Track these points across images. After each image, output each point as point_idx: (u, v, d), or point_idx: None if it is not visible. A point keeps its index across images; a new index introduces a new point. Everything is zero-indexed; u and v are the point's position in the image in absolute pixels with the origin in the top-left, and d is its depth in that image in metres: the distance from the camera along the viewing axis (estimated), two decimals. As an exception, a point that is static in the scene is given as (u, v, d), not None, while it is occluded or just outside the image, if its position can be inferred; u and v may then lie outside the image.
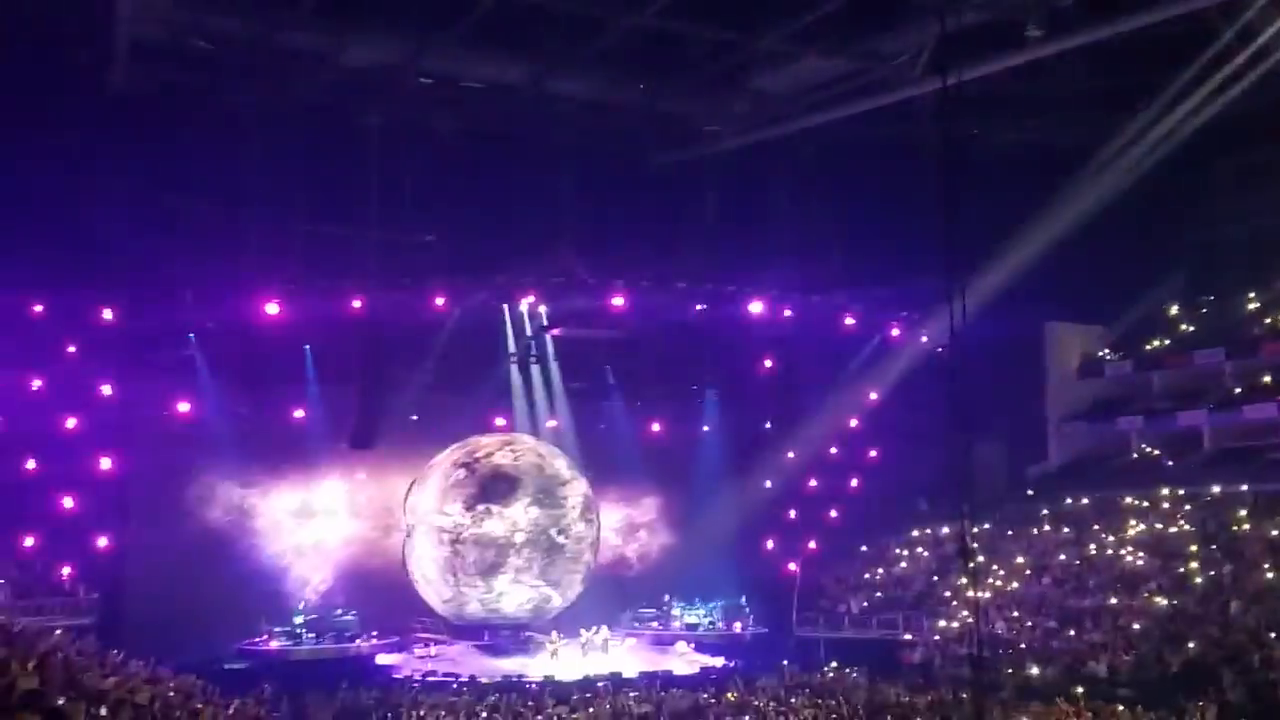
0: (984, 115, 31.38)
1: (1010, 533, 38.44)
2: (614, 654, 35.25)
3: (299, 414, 35.31)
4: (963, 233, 10.25)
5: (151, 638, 26.50)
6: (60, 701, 12.45)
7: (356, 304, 33.52)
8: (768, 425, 40.23)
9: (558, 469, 37.19)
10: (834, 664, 32.80)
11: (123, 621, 30.63)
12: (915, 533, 40.17)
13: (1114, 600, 32.45)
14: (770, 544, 40.39)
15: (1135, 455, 41.60)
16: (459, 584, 35.81)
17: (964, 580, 32.62)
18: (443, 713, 25.89)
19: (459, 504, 35.70)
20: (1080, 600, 33.15)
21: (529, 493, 36.16)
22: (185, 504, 33.08)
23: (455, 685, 30.52)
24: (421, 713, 25.93)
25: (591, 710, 26.12)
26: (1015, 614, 33.30)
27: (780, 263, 36.85)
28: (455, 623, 36.85)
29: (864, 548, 40.58)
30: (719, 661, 34.78)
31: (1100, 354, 43.57)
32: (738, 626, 37.76)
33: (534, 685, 30.54)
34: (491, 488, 35.85)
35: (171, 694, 18.26)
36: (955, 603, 34.67)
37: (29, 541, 31.80)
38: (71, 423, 32.23)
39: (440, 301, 34.94)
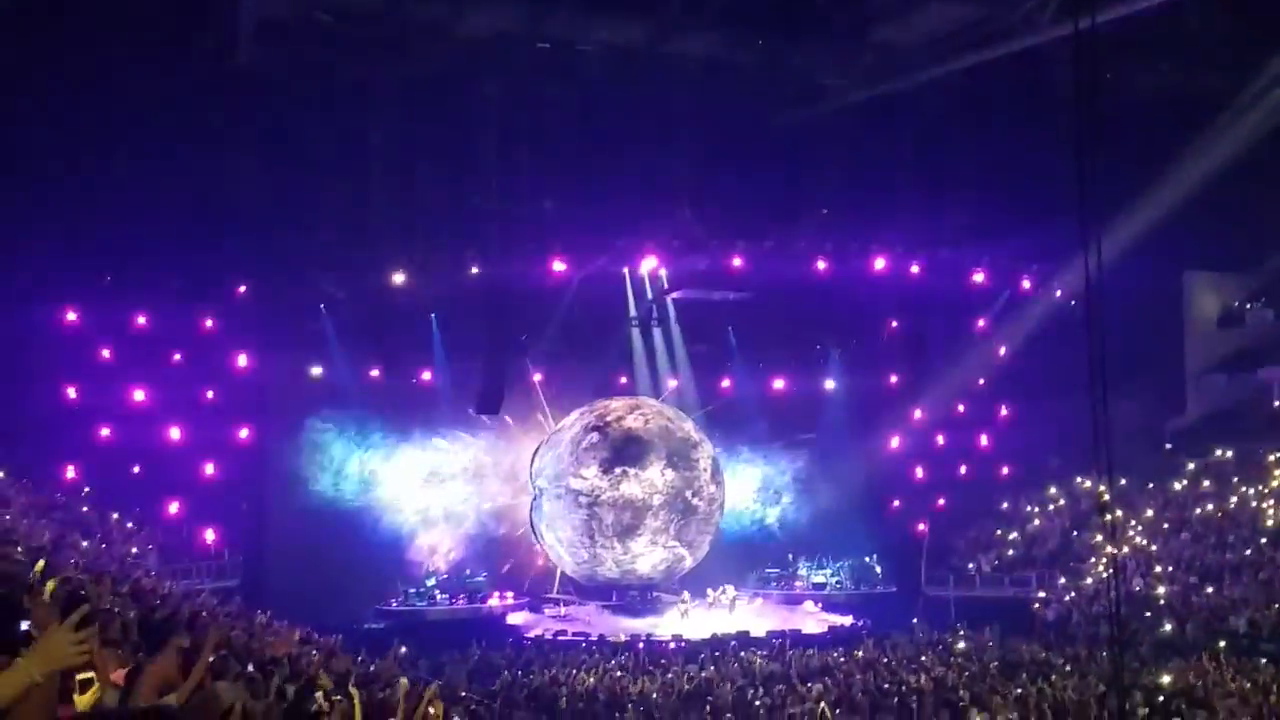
0: (1119, 59, 30.04)
1: (1149, 487, 37.94)
2: (741, 613, 35.20)
3: (426, 378, 35.98)
4: (1098, 181, 9.97)
5: (293, 600, 27.33)
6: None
7: (475, 271, 34.12)
8: (894, 381, 39.91)
9: (687, 431, 37.19)
10: (965, 623, 32.73)
11: (265, 584, 31.75)
12: (1049, 490, 39.64)
13: (1255, 554, 31.81)
14: (898, 503, 40.32)
15: (1277, 406, 40.67)
16: (595, 546, 35.94)
17: (1100, 537, 32.44)
18: (574, 670, 26.09)
19: (595, 467, 35.81)
20: (1220, 555, 32.53)
21: (662, 455, 36.17)
22: (317, 471, 34.53)
23: (585, 644, 30.98)
24: (553, 670, 26.16)
25: (720, 669, 26.06)
26: (1154, 570, 32.93)
27: (905, 218, 36.28)
28: (584, 584, 37.36)
29: (1004, 504, 40.08)
30: (847, 621, 34.77)
31: (1240, 303, 42.55)
32: (865, 585, 37.97)
33: (663, 644, 30.89)
34: (625, 451, 35.92)
35: (315, 654, 18.28)
36: (1091, 560, 34.36)
37: (174, 508, 33.15)
38: (210, 394, 33.64)
39: (560, 267, 35.26)
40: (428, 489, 37.01)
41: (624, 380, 39.43)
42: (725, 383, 39.99)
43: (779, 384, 39.75)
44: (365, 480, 35.91)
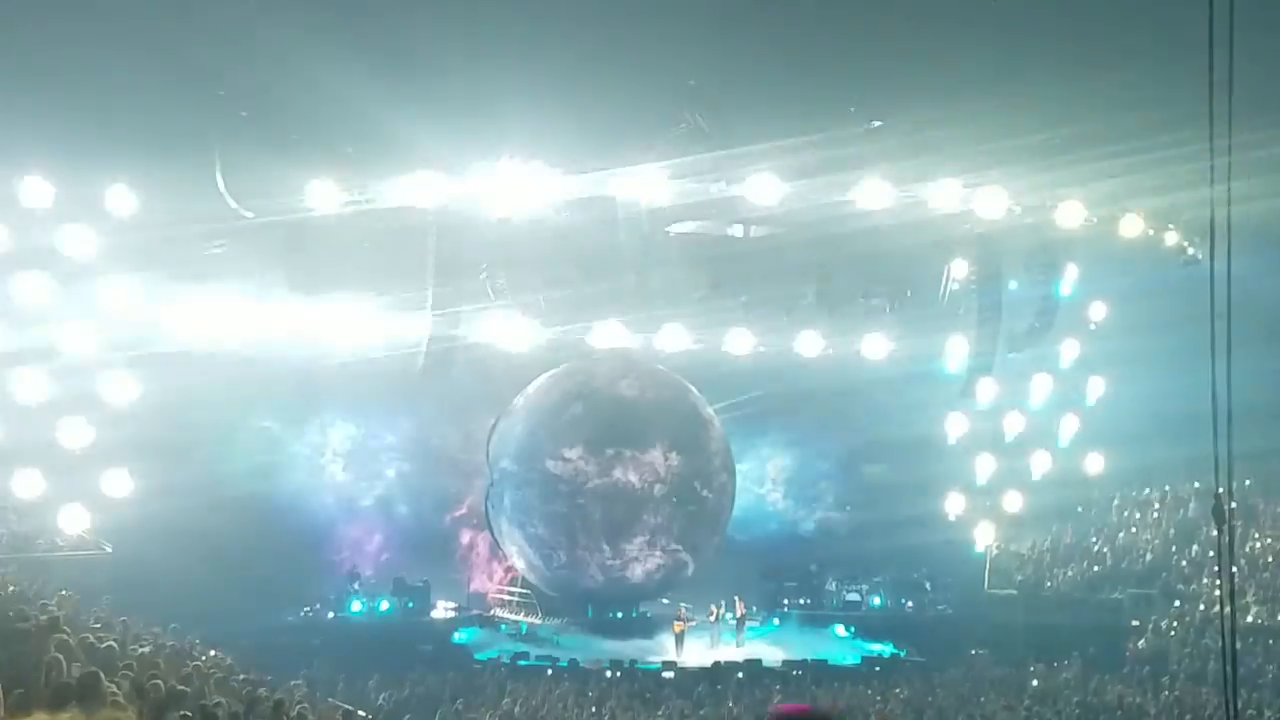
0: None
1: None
2: (752, 637, 35.58)
3: (350, 321, 34.67)
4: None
5: (180, 601, 27.85)
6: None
7: (418, 189, 33.00)
8: (957, 347, 38.73)
9: (692, 404, 37.32)
10: (1038, 656, 32.95)
11: (142, 580, 30.67)
12: (1149, 490, 40.20)
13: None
14: (956, 501, 39.81)
15: None
16: (577, 547, 36.14)
17: (1212, 551, 32.67)
18: (538, 704, 26.26)
19: (579, 447, 35.81)
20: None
21: (665, 434, 36.25)
22: (212, 439, 34.60)
23: (552, 671, 31.27)
24: (511, 703, 26.34)
25: (723, 708, 26.55)
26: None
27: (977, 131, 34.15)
28: (555, 595, 37.46)
29: (1092, 507, 40.23)
30: (887, 649, 35.18)
31: None
32: (909, 605, 37.98)
33: (653, 674, 30.98)
34: (618, 426, 36.00)
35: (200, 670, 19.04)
36: (1200, 580, 34.72)
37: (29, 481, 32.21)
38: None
39: (532, 186, 33.45)
40: (351, 469, 37.55)
41: (613, 331, 37.53)
42: (740, 339, 38.35)
43: (810, 343, 38.02)
44: (270, 453, 36.25)
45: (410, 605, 35.96)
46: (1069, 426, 40.51)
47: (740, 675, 30.53)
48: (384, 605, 35.75)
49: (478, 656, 33.18)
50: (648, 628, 36.26)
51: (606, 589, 36.69)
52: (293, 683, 23.70)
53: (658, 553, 36.44)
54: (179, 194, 31.51)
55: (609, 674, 31.25)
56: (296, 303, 33.15)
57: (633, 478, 35.93)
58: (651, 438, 36.12)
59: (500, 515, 37.03)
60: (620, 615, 37.08)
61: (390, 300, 34.24)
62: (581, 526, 35.94)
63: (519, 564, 37.50)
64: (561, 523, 35.97)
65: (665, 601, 37.53)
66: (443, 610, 36.55)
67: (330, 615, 35.33)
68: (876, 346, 38.13)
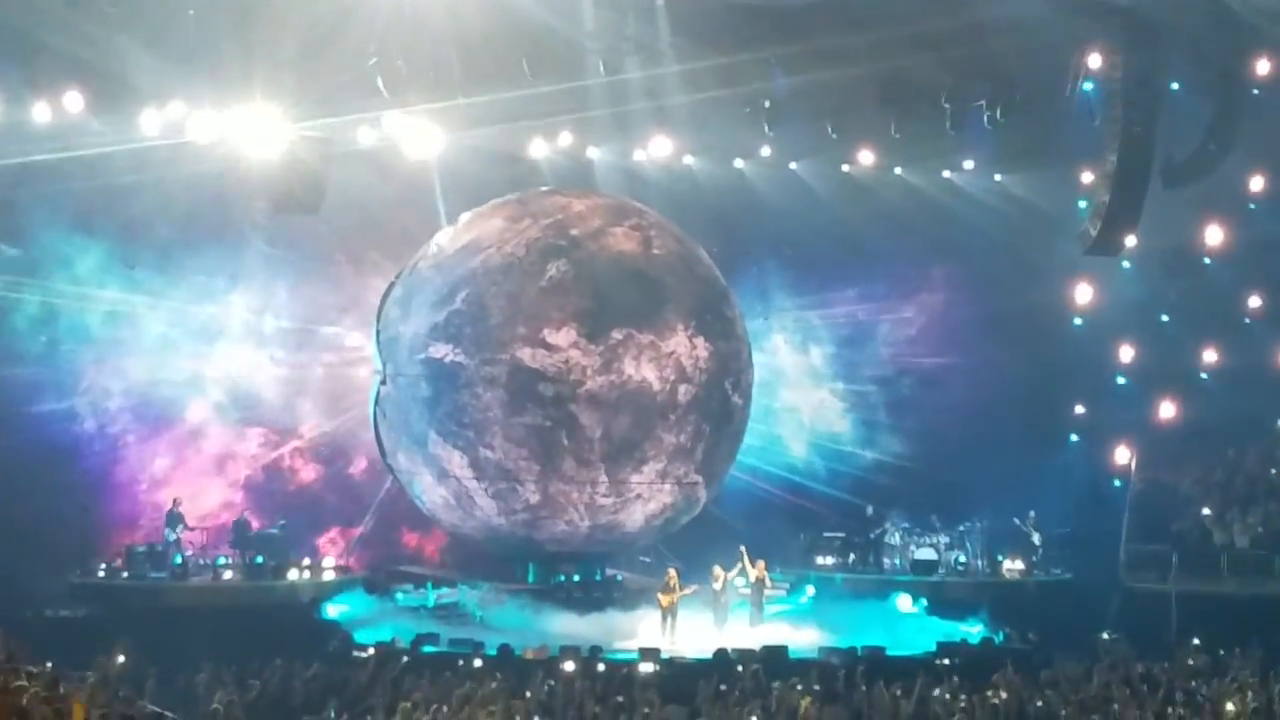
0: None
1: None
2: (776, 611, 33.28)
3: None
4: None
5: None
6: None
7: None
8: (1086, 178, 36.17)
9: (709, 263, 34.22)
10: (1196, 641, 29.90)
11: None
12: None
13: None
14: (1083, 410, 38.51)
15: None
16: (558, 477, 32.42)
17: None
18: (447, 710, 23.26)
19: (569, 328, 31.75)
20: None
21: (687, 309, 32.69)
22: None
23: (475, 662, 28.22)
24: (409, 708, 23.07)
25: (729, 716, 23.74)
26: None
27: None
28: (489, 550, 34.69)
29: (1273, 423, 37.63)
30: (975, 631, 32.48)
31: None
32: (1011, 566, 35.18)
33: (624, 667, 27.60)
34: (624, 297, 32.22)
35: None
36: None
37: None
38: None
39: None
40: (158, 359, 34.42)
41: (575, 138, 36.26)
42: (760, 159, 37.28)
43: (866, 157, 36.65)
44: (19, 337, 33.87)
45: (259, 562, 32.51)
46: (1255, 298, 38.30)
47: (756, 669, 26.36)
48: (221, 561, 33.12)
49: (359, 639, 29.63)
50: (618, 599, 33.10)
51: (583, 540, 33.33)
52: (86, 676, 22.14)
53: (668, 486, 33.06)
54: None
55: (560, 667, 26.99)
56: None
57: (649, 374, 31.80)
58: (669, 315, 32.15)
59: (406, 429, 32.85)
60: (579, 579, 33.58)
61: (220, 97, 31.03)
62: (570, 446, 31.71)
63: (434, 500, 33.32)
64: (538, 441, 31.64)
65: (646, 560, 35.24)
66: (308, 570, 32.88)
67: (129, 579, 31.76)
68: (965, 172, 37.82)
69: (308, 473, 36.33)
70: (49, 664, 21.26)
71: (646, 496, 32.90)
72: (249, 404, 35.73)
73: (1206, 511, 35.75)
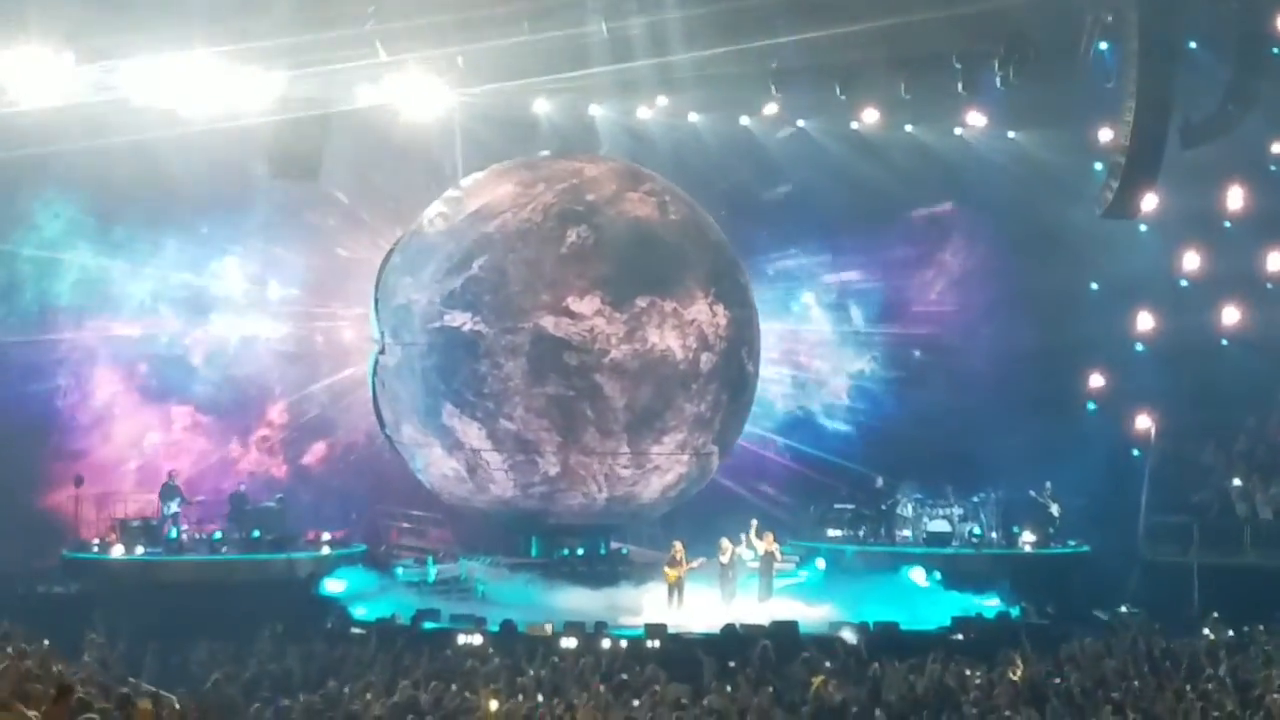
0: None
1: None
2: (784, 585, 32.93)
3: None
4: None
5: None
6: None
7: None
8: (1103, 138, 36.10)
9: (719, 232, 34.29)
10: (1215, 615, 29.80)
11: None
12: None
13: None
14: (1100, 380, 38.48)
15: None
16: (579, 448, 32.26)
17: None
18: (453, 687, 22.97)
19: (594, 295, 31.66)
20: None
21: (706, 275, 32.79)
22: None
23: (478, 639, 28.03)
24: (408, 685, 22.81)
25: (737, 695, 23.17)
26: None
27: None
28: (493, 519, 34.51)
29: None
30: (991, 604, 32.23)
31: None
32: (1027, 538, 35.20)
33: (630, 643, 27.88)
34: (646, 264, 32.23)
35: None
36: None
37: None
38: None
39: None
40: (147, 317, 34.79)
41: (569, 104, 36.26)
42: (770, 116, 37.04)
43: (871, 116, 36.22)
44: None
45: (256, 536, 32.59)
46: (1278, 262, 37.85)
47: (765, 645, 26.24)
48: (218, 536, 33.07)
49: (357, 616, 29.66)
50: (624, 573, 32.87)
51: (599, 512, 33.28)
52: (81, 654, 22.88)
53: (686, 457, 33.24)
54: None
55: (564, 643, 27.46)
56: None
57: (672, 342, 31.96)
58: (690, 282, 32.31)
59: (414, 400, 32.60)
60: (584, 553, 33.38)
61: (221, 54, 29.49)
62: (593, 416, 31.75)
63: (442, 472, 33.16)
64: (559, 411, 31.64)
65: (650, 534, 35.57)
66: (307, 544, 33.14)
67: (123, 554, 31.51)
68: (976, 130, 37.25)
69: (302, 445, 36.26)
70: (45, 641, 21.38)
71: (665, 468, 33.12)
72: (236, 376, 35.65)
73: (1237, 483, 35.74)
